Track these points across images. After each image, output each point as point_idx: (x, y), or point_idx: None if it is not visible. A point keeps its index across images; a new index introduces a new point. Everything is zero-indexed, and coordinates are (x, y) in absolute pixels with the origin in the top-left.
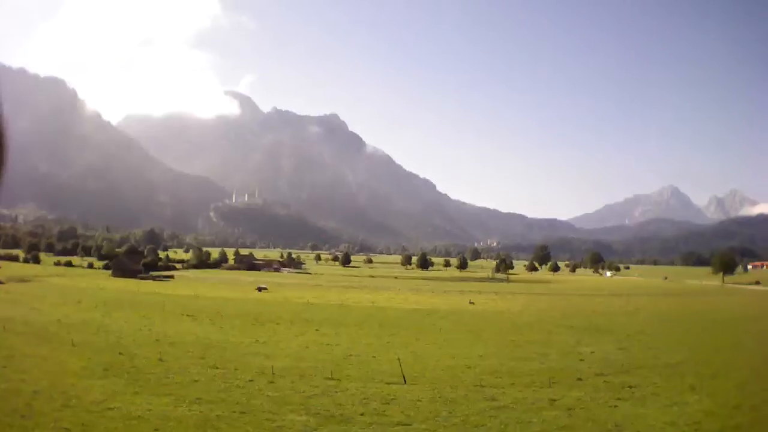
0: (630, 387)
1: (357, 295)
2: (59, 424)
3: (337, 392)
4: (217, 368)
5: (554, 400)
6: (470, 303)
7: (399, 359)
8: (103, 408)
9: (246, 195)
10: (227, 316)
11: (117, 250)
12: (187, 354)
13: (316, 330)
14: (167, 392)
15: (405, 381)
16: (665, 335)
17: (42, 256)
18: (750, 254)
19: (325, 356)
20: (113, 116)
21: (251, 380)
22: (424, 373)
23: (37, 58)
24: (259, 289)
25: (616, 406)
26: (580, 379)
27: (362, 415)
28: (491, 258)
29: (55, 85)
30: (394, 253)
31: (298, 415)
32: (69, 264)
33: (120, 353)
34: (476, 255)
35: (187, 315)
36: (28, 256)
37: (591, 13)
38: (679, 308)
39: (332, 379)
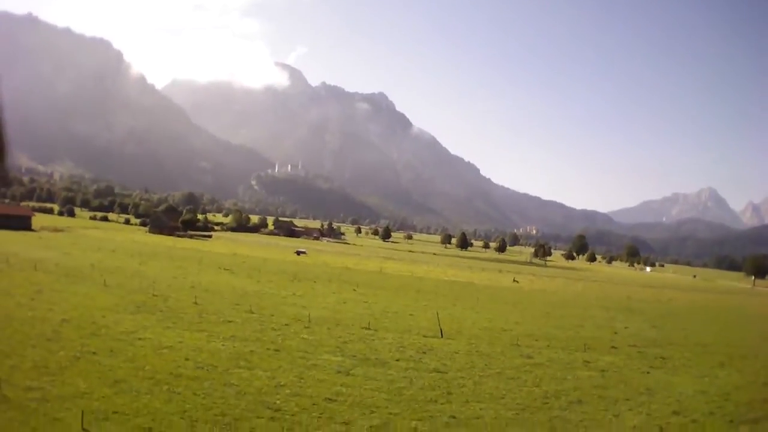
0: (662, 358)
1: (395, 266)
2: (86, 348)
3: (373, 340)
4: (252, 313)
5: (588, 362)
6: (514, 281)
7: (438, 314)
8: (133, 338)
9: (289, 166)
10: (265, 272)
11: (155, 209)
12: (222, 299)
13: (354, 290)
14: (200, 329)
15: (442, 335)
16: (696, 320)
17: (77, 211)
18: None
19: (363, 311)
20: (159, 81)
21: (287, 324)
22: (461, 331)
23: (83, 18)
24: (298, 253)
25: (648, 373)
26: (614, 347)
27: (398, 360)
28: (530, 245)
29: (101, 46)
30: (434, 233)
31: (334, 356)
32: (105, 219)
33: (154, 294)
34: (515, 240)
35: (224, 269)
36: (63, 210)
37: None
38: (711, 302)
39: (369, 329)
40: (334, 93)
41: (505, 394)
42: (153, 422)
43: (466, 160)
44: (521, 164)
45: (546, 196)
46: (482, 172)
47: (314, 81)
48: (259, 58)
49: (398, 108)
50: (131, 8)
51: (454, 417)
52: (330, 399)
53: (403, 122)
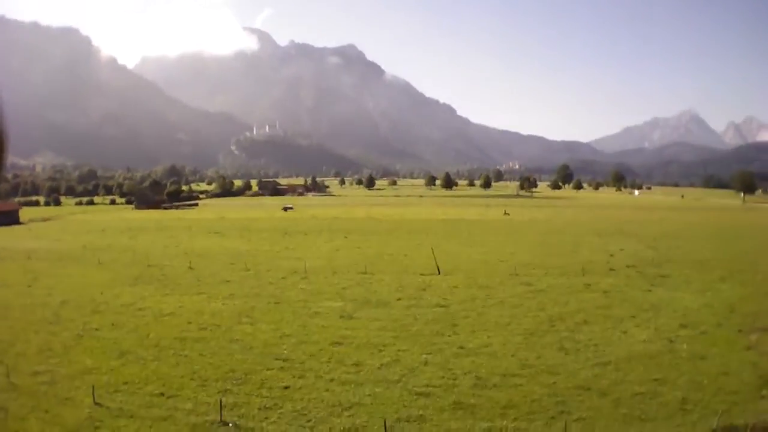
0: (662, 276)
1: (383, 210)
2: (88, 326)
3: (371, 283)
4: (248, 270)
5: (588, 285)
6: (505, 214)
7: (433, 251)
8: (134, 309)
9: (267, 127)
10: (254, 230)
11: (139, 186)
12: (216, 262)
13: (345, 237)
14: (199, 292)
15: (439, 272)
16: (692, 238)
17: (63, 199)
18: None
19: (357, 256)
20: (129, 60)
21: (283, 278)
22: (457, 266)
23: (48, 10)
24: (285, 209)
25: (650, 291)
26: (612, 269)
27: (399, 300)
28: (514, 180)
29: (69, 34)
30: (418, 178)
31: (335, 302)
32: (91, 203)
33: (149, 265)
34: (499, 176)
35: (214, 233)
36: (49, 200)
37: None
38: (704, 220)
39: (366, 273)
40: (303, 50)
41: (510, 322)
42: (164, 387)
43: (442, 101)
44: (498, 100)
45: (526, 131)
46: (459, 113)
47: (283, 41)
48: (226, 24)
49: (369, 57)
50: None
51: (462, 347)
52: (336, 343)
53: (376, 71)
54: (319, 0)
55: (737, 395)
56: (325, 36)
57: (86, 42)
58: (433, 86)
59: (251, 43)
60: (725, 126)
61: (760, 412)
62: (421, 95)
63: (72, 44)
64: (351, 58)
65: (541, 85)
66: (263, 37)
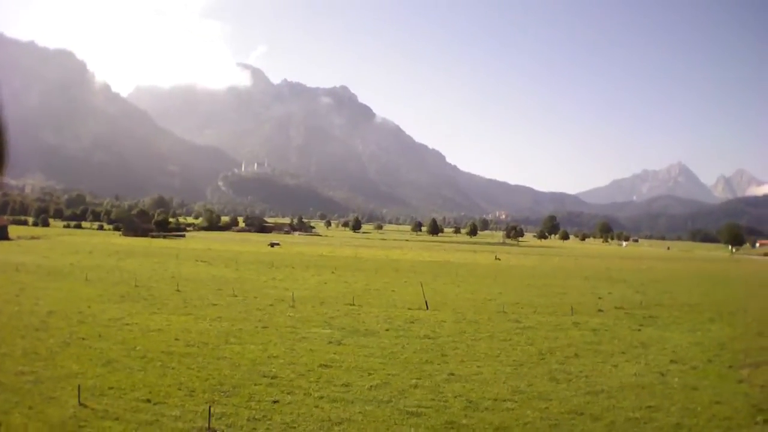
0: (651, 317)
1: (370, 251)
2: (75, 335)
3: (359, 314)
4: (235, 296)
5: (577, 323)
6: (496, 259)
7: (422, 285)
8: (121, 323)
9: (255, 164)
10: (242, 262)
11: (128, 213)
12: (204, 286)
13: (332, 272)
14: (186, 313)
15: (427, 307)
16: (680, 284)
17: (51, 221)
18: (758, 234)
19: (344, 289)
20: (123, 88)
21: (271, 305)
22: (445, 303)
23: (46, 31)
24: (272, 245)
25: (639, 330)
26: (600, 310)
27: (387, 330)
28: (500, 229)
29: (65, 57)
30: (404, 224)
31: (322, 329)
32: (78, 226)
33: (136, 285)
34: (485, 225)
35: (202, 261)
36: (38, 220)
37: None
38: (691, 269)
39: (353, 305)
40: (296, 89)
41: (499, 353)
42: (150, 394)
43: (431, 147)
44: (487, 150)
45: (513, 181)
46: (448, 159)
47: (276, 79)
48: (220, 59)
49: (361, 99)
50: (92, 17)
51: (452, 374)
52: (325, 365)
53: (367, 113)
54: (314, 39)
55: (731, 421)
56: (319, 76)
57: (81, 66)
58: (423, 132)
59: (244, 79)
60: (715, 179)
61: None
62: (411, 140)
63: (67, 67)
64: (343, 99)
65: (530, 137)
66: (256, 73)
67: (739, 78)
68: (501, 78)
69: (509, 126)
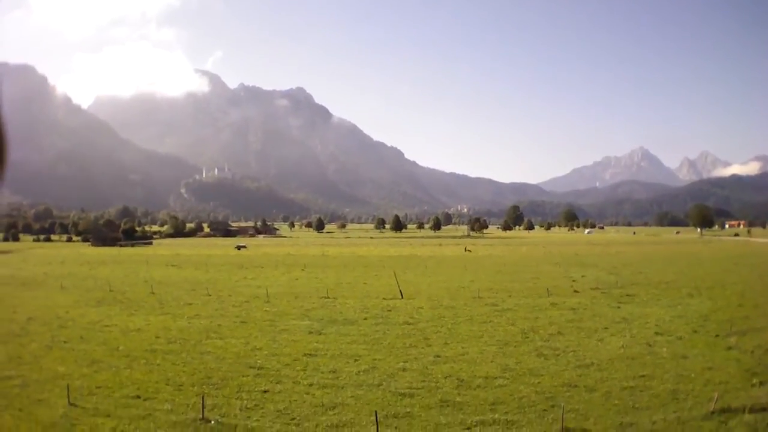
0: (628, 295)
1: (336, 249)
2: (57, 339)
3: (335, 306)
4: (209, 295)
5: (555, 304)
6: (466, 251)
7: (395, 274)
8: (101, 326)
9: (216, 170)
10: (211, 264)
11: (94, 224)
12: (177, 288)
13: (302, 270)
14: (163, 312)
15: (402, 296)
16: (652, 265)
17: (21, 236)
18: (725, 215)
19: (317, 284)
20: (84, 99)
21: (246, 301)
22: (419, 292)
23: (6, 46)
24: (238, 248)
25: (618, 307)
26: (576, 291)
27: (366, 319)
28: (463, 223)
29: (25, 72)
30: (366, 222)
31: (301, 321)
32: (48, 240)
33: (110, 290)
34: (448, 219)
35: (172, 265)
36: (8, 235)
37: None
38: (662, 251)
39: (328, 297)
40: (252, 93)
41: (482, 335)
42: (139, 391)
43: (389, 144)
44: (446, 143)
45: (474, 174)
46: (407, 156)
47: (233, 83)
48: (178, 66)
49: (317, 100)
50: (51, 30)
51: (438, 356)
52: (309, 354)
53: (323, 114)
54: (269, 43)
55: (727, 385)
56: (275, 78)
57: (42, 80)
58: (380, 129)
59: (202, 85)
60: (679, 162)
61: (754, 398)
62: (369, 138)
63: (28, 82)
64: (299, 100)
65: (489, 128)
66: (214, 79)
67: (699, 60)
68: (455, 70)
69: (467, 118)
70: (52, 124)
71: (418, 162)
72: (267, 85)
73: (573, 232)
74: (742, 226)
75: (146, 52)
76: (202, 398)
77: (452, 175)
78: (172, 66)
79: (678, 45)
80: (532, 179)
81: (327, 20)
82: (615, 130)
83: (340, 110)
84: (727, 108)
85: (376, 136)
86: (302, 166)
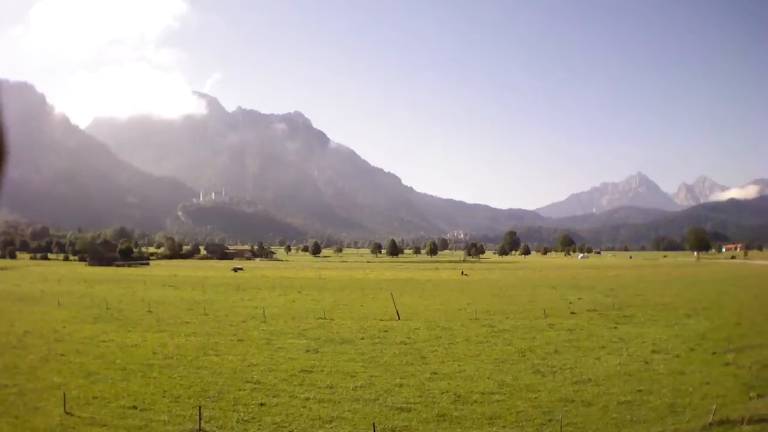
0: (625, 316)
1: (333, 273)
2: (53, 351)
3: (332, 326)
4: (207, 315)
5: (552, 325)
6: (463, 274)
7: (392, 296)
8: (98, 341)
9: (213, 194)
10: (208, 285)
11: (91, 244)
12: (174, 307)
13: (299, 292)
14: (160, 330)
15: (399, 317)
16: (649, 288)
17: (17, 254)
18: (723, 239)
19: (314, 306)
20: (82, 119)
21: (243, 321)
22: (416, 314)
23: (5, 63)
24: (235, 270)
25: (615, 328)
26: (573, 313)
27: (362, 339)
28: (459, 248)
29: (24, 90)
30: (362, 247)
31: (298, 340)
32: (45, 258)
33: (107, 308)
34: (445, 245)
35: (169, 285)
36: (5, 253)
37: None
38: (659, 274)
39: (325, 318)
40: (250, 116)
41: (479, 353)
42: (136, 402)
43: (387, 170)
44: (443, 169)
45: (471, 200)
46: (404, 181)
47: (231, 106)
48: (176, 88)
49: (315, 125)
50: (50, 49)
51: (435, 373)
52: (306, 371)
53: (321, 138)
54: (267, 66)
55: (725, 398)
56: (273, 102)
57: (41, 99)
58: (378, 155)
59: (200, 108)
60: (677, 187)
61: (753, 410)
62: (366, 164)
63: (27, 100)
64: (297, 125)
65: (486, 155)
66: (212, 102)
67: (696, 85)
68: (453, 97)
69: (464, 145)
70: (50, 144)
71: (414, 188)
72: (265, 109)
73: (569, 257)
74: (739, 250)
75: (144, 74)
76: (199, 410)
77: (449, 201)
78: (170, 88)
79: (675, 69)
80: (529, 205)
81: (326, 45)
82: (612, 156)
83: (338, 135)
84: (725, 132)
85: (374, 161)
86: (299, 191)
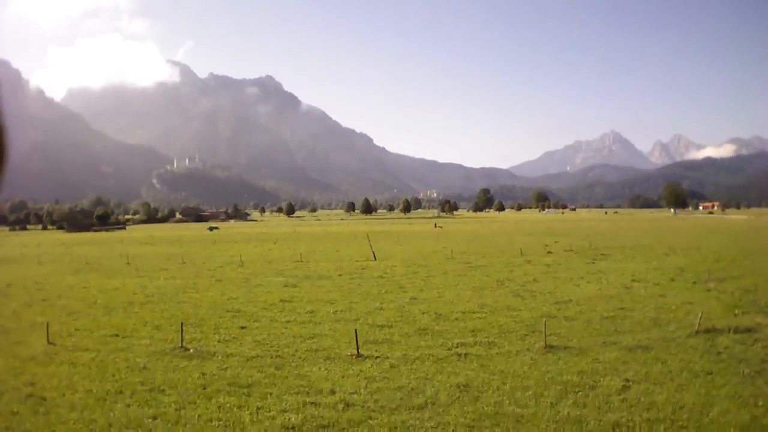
0: (603, 255)
1: (307, 228)
2: (36, 298)
3: (309, 267)
4: (184, 263)
5: (530, 261)
6: (436, 227)
7: (368, 236)
8: (79, 287)
9: (187, 160)
10: (185, 241)
11: (69, 212)
12: (153, 259)
13: (274, 243)
14: (140, 276)
15: (375, 258)
16: (626, 235)
17: None
18: (699, 197)
19: (290, 253)
20: (57, 92)
21: (221, 266)
22: (392, 255)
23: None
24: (211, 229)
25: (593, 263)
26: (550, 252)
27: (340, 275)
28: (433, 207)
29: (1, 66)
30: (336, 208)
31: (276, 278)
32: (24, 229)
33: (87, 263)
34: (418, 204)
35: (147, 243)
36: None
37: None
38: (636, 225)
39: (302, 261)
40: (222, 82)
41: (457, 284)
42: (118, 331)
43: (359, 131)
44: (415, 129)
45: (443, 159)
46: (376, 142)
47: (203, 73)
48: (150, 57)
49: (286, 88)
50: (25, 23)
51: (414, 298)
52: (285, 300)
53: (293, 101)
54: (239, 32)
55: (710, 314)
56: (245, 68)
57: (17, 75)
58: (349, 116)
59: (173, 76)
60: (652, 145)
61: (738, 322)
62: (338, 125)
63: (3, 77)
64: (269, 88)
65: (459, 113)
66: (184, 69)
67: (672, 44)
68: (424, 55)
69: (436, 103)
70: (26, 118)
71: (387, 148)
72: (237, 74)
73: (544, 213)
74: (716, 208)
75: (118, 44)
76: (181, 327)
77: (421, 160)
78: (144, 57)
79: (651, 26)
80: (503, 164)
81: (296, 9)
82: (586, 113)
83: (309, 97)
84: (701, 90)
85: (345, 122)
86: (272, 154)
